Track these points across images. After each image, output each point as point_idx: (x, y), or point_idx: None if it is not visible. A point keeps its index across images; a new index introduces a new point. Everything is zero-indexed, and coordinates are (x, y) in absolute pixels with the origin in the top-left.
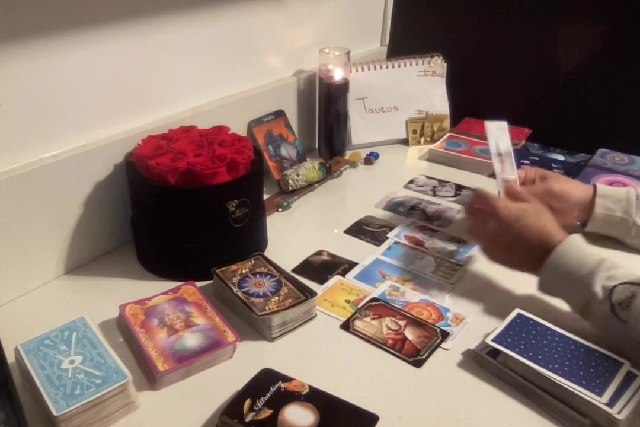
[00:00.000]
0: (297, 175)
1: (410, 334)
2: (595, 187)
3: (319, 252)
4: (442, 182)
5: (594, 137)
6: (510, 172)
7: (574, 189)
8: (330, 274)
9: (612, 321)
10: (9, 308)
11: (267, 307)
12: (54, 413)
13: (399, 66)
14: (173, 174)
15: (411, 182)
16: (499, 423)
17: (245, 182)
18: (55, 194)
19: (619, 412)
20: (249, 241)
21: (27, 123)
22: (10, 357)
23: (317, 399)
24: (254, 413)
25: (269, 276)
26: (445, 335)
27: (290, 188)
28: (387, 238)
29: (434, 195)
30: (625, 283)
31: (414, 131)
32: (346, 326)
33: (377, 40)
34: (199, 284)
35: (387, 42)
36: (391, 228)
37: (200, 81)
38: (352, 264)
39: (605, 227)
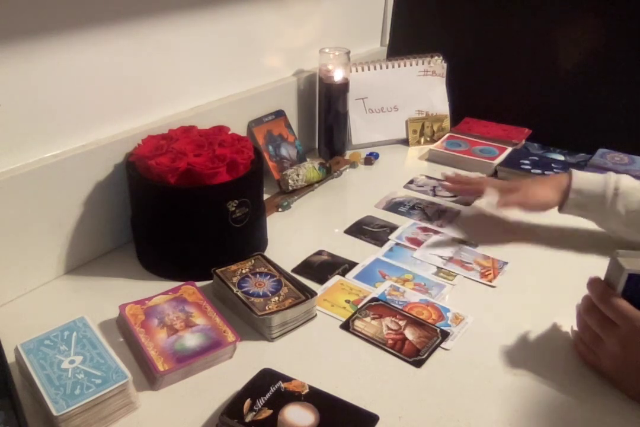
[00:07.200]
0: (297, 175)
1: (410, 334)
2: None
3: (319, 252)
4: (442, 182)
5: (594, 137)
6: None
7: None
8: (330, 274)
9: None
10: (9, 308)
11: (267, 307)
12: (54, 413)
13: (399, 66)
14: (173, 174)
15: (411, 182)
16: (499, 423)
17: (245, 182)
18: (55, 194)
19: None
20: (249, 240)
21: (27, 123)
22: (10, 357)
23: (317, 399)
24: (254, 413)
25: (269, 276)
26: (445, 335)
27: (290, 188)
28: (389, 240)
29: (434, 195)
30: None
31: (414, 131)
32: (346, 326)
33: (377, 40)
34: (199, 284)
35: (387, 42)
36: (391, 228)
37: (200, 81)
38: (352, 264)
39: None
